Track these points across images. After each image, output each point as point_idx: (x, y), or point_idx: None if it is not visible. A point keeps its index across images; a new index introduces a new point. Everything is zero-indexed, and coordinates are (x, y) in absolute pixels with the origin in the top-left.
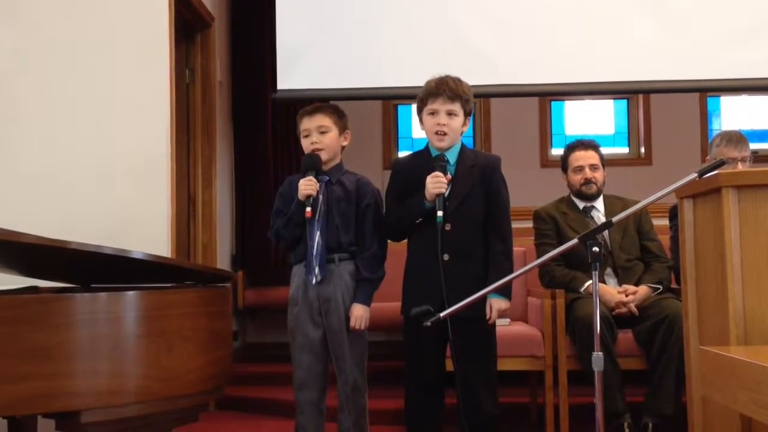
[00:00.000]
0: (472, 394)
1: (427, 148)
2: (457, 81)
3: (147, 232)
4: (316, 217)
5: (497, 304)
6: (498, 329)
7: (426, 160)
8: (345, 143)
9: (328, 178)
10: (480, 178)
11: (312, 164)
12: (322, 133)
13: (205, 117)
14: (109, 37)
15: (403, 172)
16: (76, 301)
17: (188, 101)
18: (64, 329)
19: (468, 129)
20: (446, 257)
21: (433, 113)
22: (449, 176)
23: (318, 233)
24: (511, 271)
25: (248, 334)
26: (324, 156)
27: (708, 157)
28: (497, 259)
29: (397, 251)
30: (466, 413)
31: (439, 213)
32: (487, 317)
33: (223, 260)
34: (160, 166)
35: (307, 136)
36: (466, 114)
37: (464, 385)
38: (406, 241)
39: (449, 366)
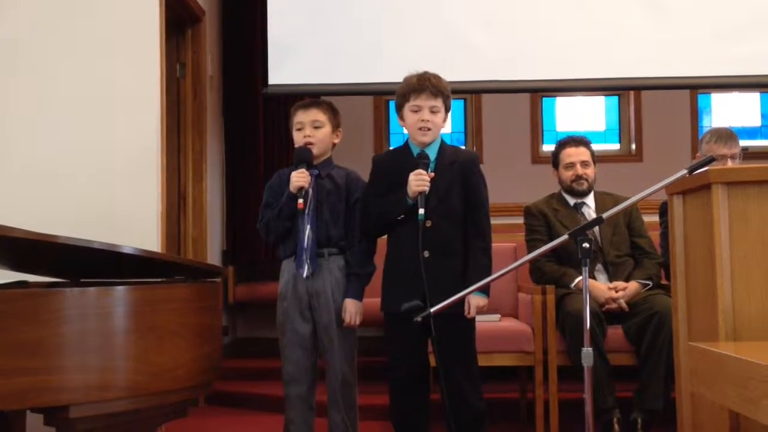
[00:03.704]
0: (456, 390)
1: (406, 143)
2: (438, 77)
3: (137, 226)
4: (307, 211)
5: (475, 300)
6: (488, 325)
7: (407, 157)
8: (336, 140)
9: (317, 171)
10: (460, 174)
11: (304, 157)
12: (316, 127)
13: (196, 112)
14: (100, 31)
15: (383, 168)
16: (65, 296)
17: (179, 96)
18: (53, 324)
19: (458, 124)
20: (426, 254)
21: (416, 110)
22: (432, 174)
23: (308, 226)
24: (490, 268)
25: (238, 329)
26: (315, 151)
27: (698, 154)
28: (476, 256)
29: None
30: (452, 409)
31: (421, 210)
32: (466, 313)
33: (213, 255)
34: (151, 161)
35: (300, 130)
36: (446, 110)
37: (448, 381)
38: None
39: (432, 361)
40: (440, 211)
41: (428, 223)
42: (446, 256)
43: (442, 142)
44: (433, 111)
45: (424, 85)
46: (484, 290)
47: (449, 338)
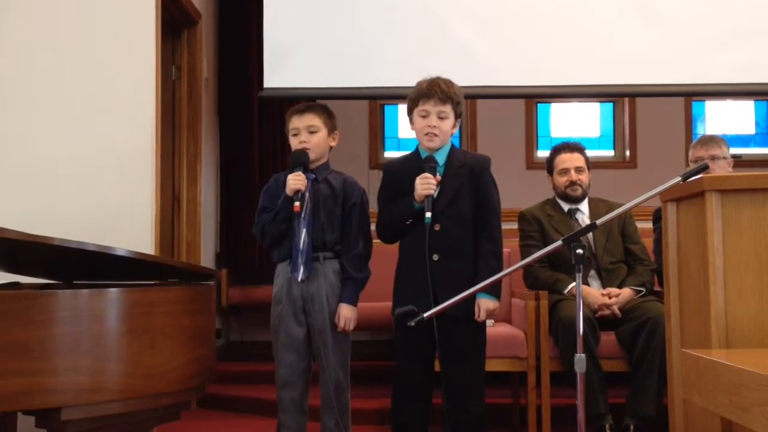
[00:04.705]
0: (458, 395)
1: (417, 149)
2: (449, 83)
3: (131, 229)
4: (303, 215)
5: (485, 303)
6: None
7: (416, 162)
8: (333, 144)
9: (314, 176)
10: (469, 177)
11: (300, 160)
12: (312, 132)
13: (191, 114)
14: (96, 33)
15: (393, 174)
16: (57, 298)
17: (174, 98)
18: (45, 326)
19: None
20: (436, 257)
21: (424, 115)
22: (439, 177)
23: (304, 230)
24: (500, 271)
25: (231, 333)
26: (312, 155)
27: (690, 162)
28: (486, 259)
29: (384, 251)
30: (451, 413)
31: (428, 214)
32: (476, 317)
33: (207, 258)
34: (145, 163)
35: (296, 135)
36: (457, 116)
37: (451, 385)
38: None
39: (438, 367)
40: (449, 215)
41: (437, 227)
42: (455, 259)
43: (453, 147)
44: (441, 117)
45: (433, 90)
46: (495, 293)
47: (458, 342)
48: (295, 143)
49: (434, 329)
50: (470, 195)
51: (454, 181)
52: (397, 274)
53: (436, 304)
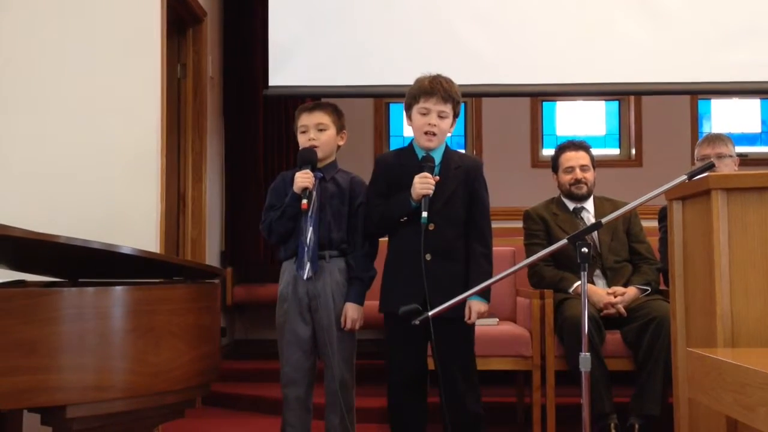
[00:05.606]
0: (454, 394)
1: (411, 146)
2: (450, 81)
3: (136, 227)
4: (310, 213)
5: (476, 306)
6: (486, 329)
7: (411, 159)
8: (341, 143)
9: (321, 174)
10: (464, 179)
11: (308, 158)
12: (320, 130)
13: (196, 112)
14: (100, 31)
15: (387, 168)
16: (63, 296)
17: (179, 96)
18: (50, 323)
19: (458, 128)
20: (428, 257)
21: (424, 113)
22: (437, 178)
23: (311, 228)
24: (491, 273)
25: (236, 331)
26: (320, 154)
27: (696, 161)
28: (477, 261)
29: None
30: (449, 412)
31: (424, 214)
32: (466, 318)
33: (212, 256)
34: (150, 162)
35: (304, 132)
36: (455, 115)
37: (446, 385)
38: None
39: (431, 365)
40: (443, 215)
41: (431, 227)
42: (448, 259)
43: (447, 147)
44: (441, 116)
45: (435, 88)
46: (485, 296)
47: (449, 342)
48: (303, 140)
49: (429, 328)
50: (464, 197)
51: (449, 182)
52: (387, 271)
53: (429, 303)
